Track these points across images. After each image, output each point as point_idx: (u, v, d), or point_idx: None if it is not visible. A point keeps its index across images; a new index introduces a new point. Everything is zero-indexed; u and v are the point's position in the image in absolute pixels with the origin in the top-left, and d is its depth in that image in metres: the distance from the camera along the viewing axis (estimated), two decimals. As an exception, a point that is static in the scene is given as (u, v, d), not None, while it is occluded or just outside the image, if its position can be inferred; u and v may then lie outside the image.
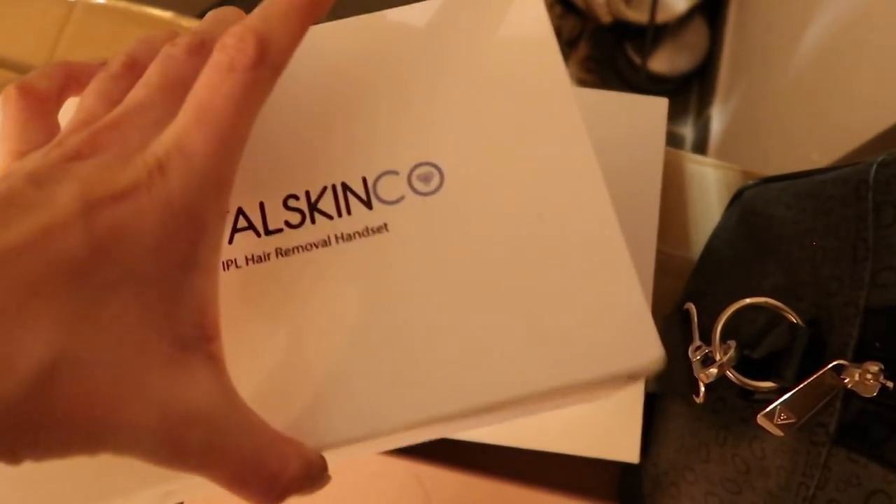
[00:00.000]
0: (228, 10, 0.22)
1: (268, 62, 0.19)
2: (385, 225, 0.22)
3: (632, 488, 0.34)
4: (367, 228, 0.22)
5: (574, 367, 0.21)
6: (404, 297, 0.21)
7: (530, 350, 0.21)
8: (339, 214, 0.22)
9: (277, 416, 0.20)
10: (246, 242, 0.22)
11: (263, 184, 0.23)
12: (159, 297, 0.17)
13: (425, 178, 0.23)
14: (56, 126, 0.22)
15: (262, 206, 0.23)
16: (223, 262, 0.22)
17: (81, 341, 0.16)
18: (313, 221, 0.22)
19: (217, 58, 0.18)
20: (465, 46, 0.24)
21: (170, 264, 0.17)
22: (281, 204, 0.23)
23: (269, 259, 0.22)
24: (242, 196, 0.23)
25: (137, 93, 0.20)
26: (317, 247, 0.22)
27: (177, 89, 0.20)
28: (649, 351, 0.21)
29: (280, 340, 0.21)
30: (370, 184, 0.23)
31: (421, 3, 0.25)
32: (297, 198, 0.23)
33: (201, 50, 0.20)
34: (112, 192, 0.17)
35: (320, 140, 0.23)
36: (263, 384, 0.21)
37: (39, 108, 0.22)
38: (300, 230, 0.22)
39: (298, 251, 0.22)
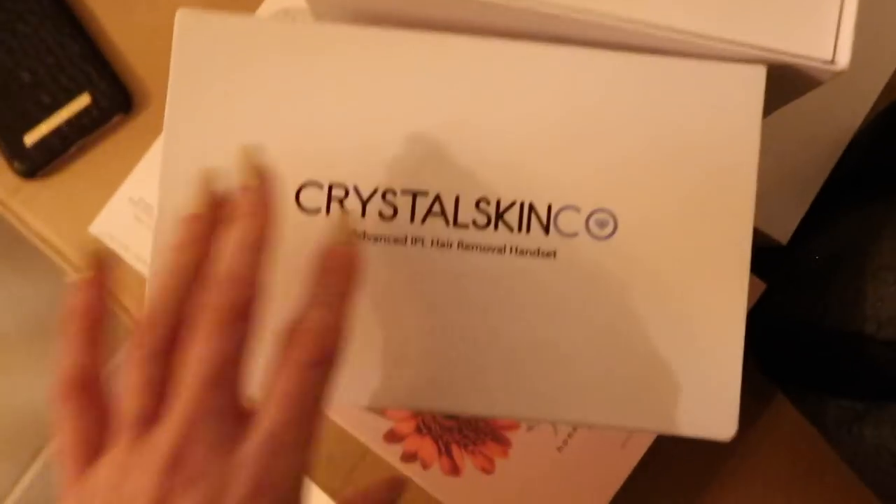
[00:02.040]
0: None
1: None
2: (554, 252, 0.25)
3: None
4: (538, 250, 0.25)
5: (654, 418, 0.25)
6: (544, 320, 0.25)
7: (628, 392, 0.25)
8: (520, 230, 0.25)
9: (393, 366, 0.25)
10: (434, 227, 0.25)
11: (463, 180, 0.25)
12: None
13: (601, 224, 0.25)
14: (106, 403, 0.21)
15: (457, 199, 0.25)
16: (410, 237, 0.25)
17: None
18: (496, 228, 0.25)
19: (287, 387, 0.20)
20: (669, 109, 0.26)
21: None
22: (473, 203, 0.25)
23: (451, 247, 0.25)
24: (445, 182, 0.25)
25: (191, 408, 0.19)
26: (492, 252, 0.25)
27: (226, 388, 0.19)
28: (725, 427, 0.25)
29: (428, 326, 0.25)
30: (553, 212, 0.25)
31: (654, 59, 0.26)
32: (487, 202, 0.25)
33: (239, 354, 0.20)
34: None
35: (522, 159, 0.26)
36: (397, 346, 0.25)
37: (94, 398, 0.20)
38: (483, 232, 0.25)
39: (477, 250, 0.25)
